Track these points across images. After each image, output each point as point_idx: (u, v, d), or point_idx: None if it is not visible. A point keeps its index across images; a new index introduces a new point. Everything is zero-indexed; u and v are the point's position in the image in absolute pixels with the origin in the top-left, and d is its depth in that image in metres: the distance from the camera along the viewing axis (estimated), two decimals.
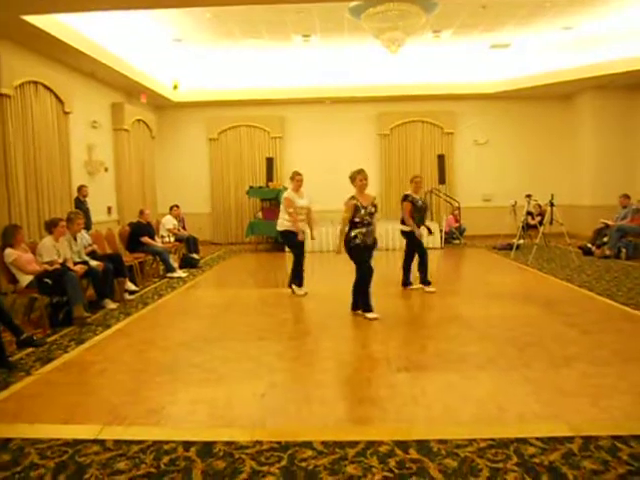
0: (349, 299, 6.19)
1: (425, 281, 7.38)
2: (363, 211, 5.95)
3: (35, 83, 8.14)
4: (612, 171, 12.63)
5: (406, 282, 7.51)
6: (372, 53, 10.87)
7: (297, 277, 7.36)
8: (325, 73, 12.70)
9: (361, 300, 6.04)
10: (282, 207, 7.34)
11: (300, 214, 7.26)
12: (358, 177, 6.01)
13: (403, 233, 7.45)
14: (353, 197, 6.00)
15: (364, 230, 5.94)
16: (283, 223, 7.27)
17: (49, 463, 2.83)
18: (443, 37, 10.23)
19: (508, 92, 13.13)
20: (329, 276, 7.79)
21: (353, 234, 5.96)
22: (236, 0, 7.39)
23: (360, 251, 5.98)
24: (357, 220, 5.95)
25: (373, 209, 6.02)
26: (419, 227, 7.36)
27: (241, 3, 7.60)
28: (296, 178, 7.36)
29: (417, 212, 7.30)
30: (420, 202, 7.37)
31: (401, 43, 8.69)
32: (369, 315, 5.90)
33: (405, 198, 7.36)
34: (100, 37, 9.11)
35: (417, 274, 7.46)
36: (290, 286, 7.40)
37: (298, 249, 7.34)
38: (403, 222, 7.38)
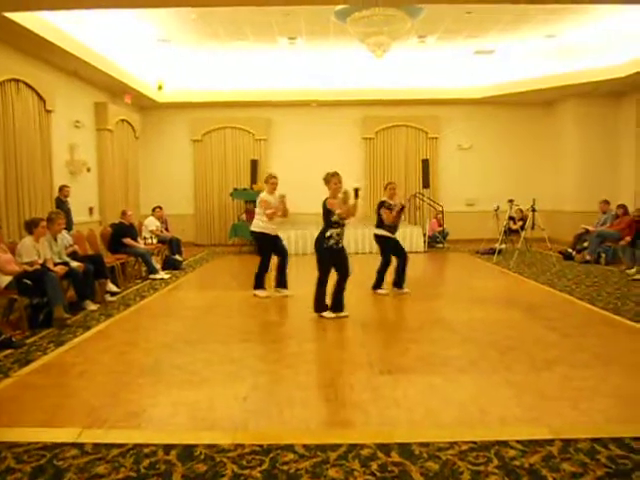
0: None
1: (399, 284, 7.44)
2: (337, 216, 6.02)
3: (16, 81, 8.03)
4: (594, 177, 12.79)
5: (377, 285, 7.48)
6: (358, 57, 10.91)
7: (258, 280, 7.41)
8: (311, 76, 12.71)
9: (320, 300, 6.13)
10: (257, 209, 7.37)
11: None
12: (333, 180, 6.08)
13: (377, 238, 7.46)
14: (328, 199, 6.08)
15: (339, 230, 6.04)
16: (258, 224, 7.31)
17: (26, 467, 2.78)
18: (428, 42, 10.31)
19: (492, 98, 13.24)
20: (311, 279, 7.78)
21: (328, 234, 6.02)
22: (221, 1, 7.36)
23: (331, 255, 6.04)
24: (334, 220, 6.02)
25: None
26: (393, 233, 7.40)
27: (227, 4, 7.57)
28: (271, 181, 7.38)
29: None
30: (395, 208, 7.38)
31: (386, 48, 8.73)
32: (326, 314, 6.08)
33: (382, 205, 7.39)
34: (84, 36, 9.01)
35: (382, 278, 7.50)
36: (255, 289, 7.42)
37: (268, 252, 7.39)
38: (379, 226, 7.41)
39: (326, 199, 6.09)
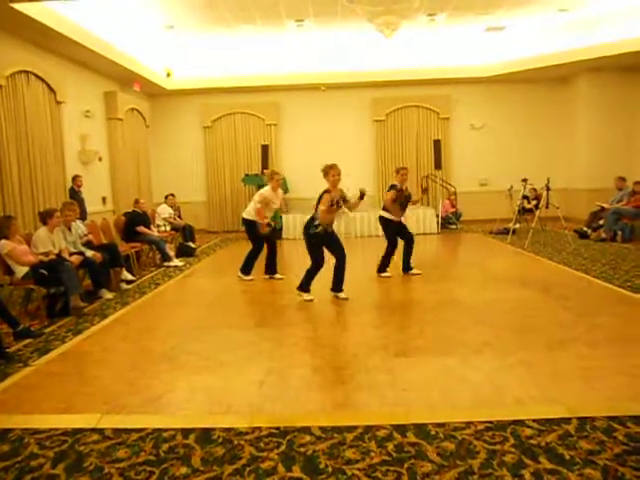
0: (347, 285, 6.26)
1: (405, 268, 7.46)
2: (335, 207, 6.01)
3: (27, 73, 8.06)
4: (609, 154, 12.59)
5: (380, 269, 7.47)
6: (366, 38, 10.78)
7: (247, 266, 7.58)
8: (319, 59, 12.60)
9: (305, 281, 6.20)
10: (254, 197, 7.50)
11: (272, 211, 7.55)
12: (331, 172, 6.01)
13: (380, 219, 7.46)
14: (327, 191, 6.03)
15: (327, 224, 6.06)
16: (250, 212, 7.43)
17: (49, 453, 2.84)
18: (438, 20, 10.14)
19: (504, 75, 13.04)
20: (325, 265, 7.81)
21: (317, 222, 6.01)
22: None
23: (319, 241, 6.07)
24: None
25: (342, 203, 6.08)
26: (397, 217, 7.35)
27: None
28: (275, 178, 7.43)
29: (398, 203, 7.31)
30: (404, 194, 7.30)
31: (395, 27, 8.62)
32: (341, 295, 6.22)
33: (392, 187, 7.36)
34: (92, 25, 9.00)
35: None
36: (242, 273, 7.60)
37: (258, 241, 7.53)
38: (384, 208, 7.43)
39: (324, 191, 6.04)
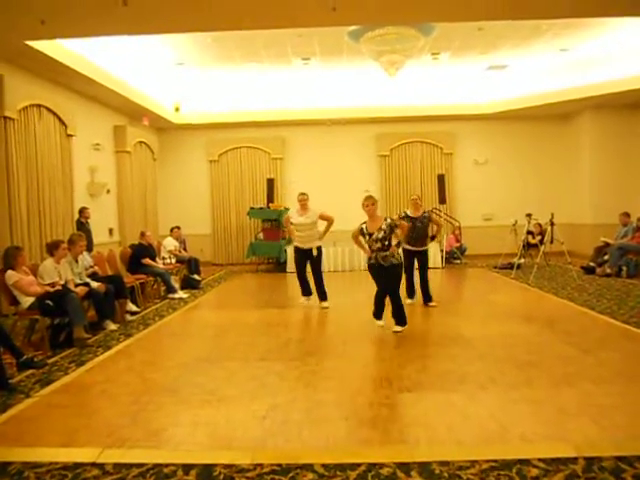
0: (352, 318, 6.27)
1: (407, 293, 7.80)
2: (367, 237, 6.11)
3: (38, 106, 8.25)
4: (612, 190, 12.66)
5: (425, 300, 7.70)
6: (371, 75, 11.00)
7: (301, 287, 7.90)
8: (325, 95, 12.84)
9: (375, 309, 6.29)
10: None
11: (300, 231, 7.66)
12: (364, 204, 6.22)
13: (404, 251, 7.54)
14: (364, 222, 6.22)
15: (373, 255, 6.11)
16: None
17: None
18: (441, 59, 10.37)
19: (506, 112, 13.24)
20: (331, 296, 7.80)
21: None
22: (237, 25, 7.47)
23: (374, 270, 6.17)
24: (369, 243, 6.16)
25: (381, 234, 6.05)
26: (411, 245, 7.58)
27: (242, 28, 7.70)
28: (298, 198, 7.81)
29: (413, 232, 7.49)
30: (418, 222, 7.55)
31: (400, 66, 8.80)
32: (378, 322, 6.27)
33: (403, 217, 7.52)
34: (103, 61, 9.25)
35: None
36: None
37: (296, 265, 7.92)
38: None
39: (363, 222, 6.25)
